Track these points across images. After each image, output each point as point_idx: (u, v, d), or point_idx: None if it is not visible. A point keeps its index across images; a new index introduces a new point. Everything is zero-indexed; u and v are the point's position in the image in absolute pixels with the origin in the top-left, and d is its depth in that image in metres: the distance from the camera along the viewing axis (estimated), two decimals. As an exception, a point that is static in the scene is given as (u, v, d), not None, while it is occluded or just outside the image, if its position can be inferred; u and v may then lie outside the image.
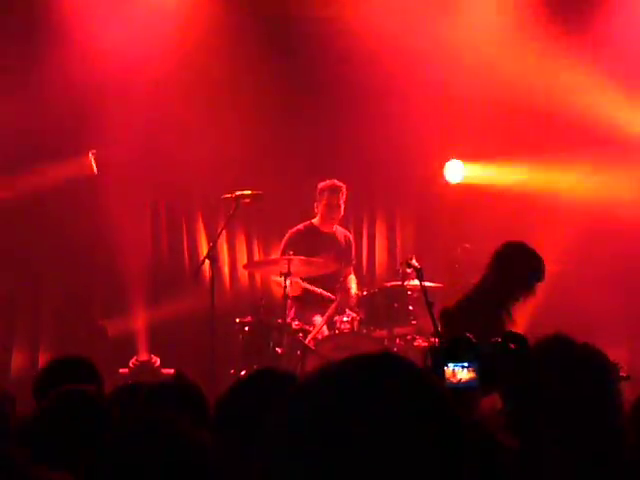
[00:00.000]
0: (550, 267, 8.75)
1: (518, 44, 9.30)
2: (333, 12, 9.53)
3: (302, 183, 8.91)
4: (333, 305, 8.05)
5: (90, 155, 9.35)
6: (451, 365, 2.88)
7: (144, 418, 2.04)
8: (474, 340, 2.94)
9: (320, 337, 7.81)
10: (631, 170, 8.96)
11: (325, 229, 8.47)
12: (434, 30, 9.37)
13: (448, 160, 9.55)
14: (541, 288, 8.77)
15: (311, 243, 8.27)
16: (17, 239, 9.19)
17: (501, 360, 2.84)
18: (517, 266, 5.97)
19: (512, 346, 2.94)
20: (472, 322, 5.73)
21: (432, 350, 2.95)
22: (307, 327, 7.96)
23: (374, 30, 9.46)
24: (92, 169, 9.28)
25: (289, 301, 8.14)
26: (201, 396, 3.11)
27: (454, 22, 9.46)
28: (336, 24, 9.50)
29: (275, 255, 8.16)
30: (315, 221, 8.50)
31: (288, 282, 7.83)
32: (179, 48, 9.46)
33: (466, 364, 2.86)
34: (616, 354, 7.95)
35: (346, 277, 8.50)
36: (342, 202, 8.41)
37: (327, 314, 7.99)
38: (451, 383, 2.78)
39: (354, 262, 8.68)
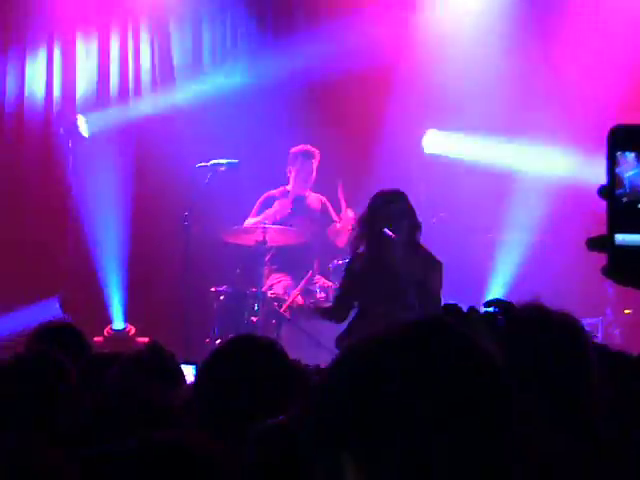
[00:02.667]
0: (525, 236, 8.84)
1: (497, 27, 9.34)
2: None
3: (277, 150, 8.88)
4: (308, 274, 8.02)
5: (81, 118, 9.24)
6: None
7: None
8: (462, 309, 2.93)
9: (295, 306, 7.79)
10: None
11: (298, 193, 8.44)
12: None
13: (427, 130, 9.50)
14: (516, 258, 8.83)
15: (284, 209, 8.26)
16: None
17: (488, 328, 2.84)
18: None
19: (499, 314, 2.93)
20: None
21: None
22: (282, 296, 7.94)
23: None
24: (84, 132, 9.19)
25: (265, 269, 8.13)
26: (176, 365, 3.09)
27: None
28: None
29: (248, 217, 8.19)
30: (288, 187, 8.48)
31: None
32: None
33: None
34: (589, 323, 7.97)
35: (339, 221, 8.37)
36: (315, 167, 8.40)
37: (302, 283, 7.96)
38: None
39: (336, 221, 8.46)
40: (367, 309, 6.06)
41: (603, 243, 1.29)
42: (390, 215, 5.94)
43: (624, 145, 1.28)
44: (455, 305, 2.20)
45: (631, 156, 1.28)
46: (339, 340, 6.00)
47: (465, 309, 2.26)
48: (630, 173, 1.28)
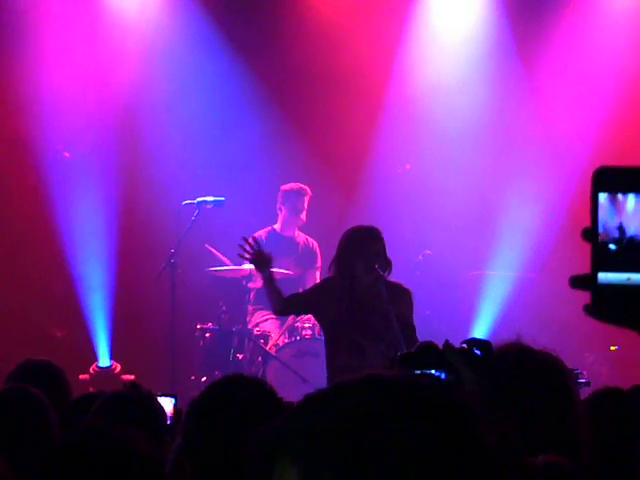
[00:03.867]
0: (510, 273, 8.85)
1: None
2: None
3: (262, 186, 8.90)
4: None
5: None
6: (418, 372, 2.85)
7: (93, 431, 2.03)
8: (440, 347, 2.91)
9: (281, 343, 7.78)
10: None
11: (286, 234, 8.40)
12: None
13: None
14: (502, 295, 8.82)
15: (272, 248, 8.15)
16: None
17: (467, 367, 2.83)
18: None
19: (478, 353, 2.92)
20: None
21: (399, 358, 2.93)
22: (268, 333, 7.92)
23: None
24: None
25: (250, 307, 8.10)
26: (155, 406, 3.07)
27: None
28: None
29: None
30: (277, 226, 8.45)
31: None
32: (140, 56, 9.44)
33: (433, 372, 2.84)
34: (581, 360, 7.95)
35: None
36: (306, 206, 8.34)
37: (288, 320, 7.94)
38: None
39: (319, 267, 8.50)
40: (352, 341, 6.02)
41: (586, 281, 1.29)
42: (364, 250, 5.95)
43: (608, 187, 1.29)
44: (430, 342, 2.21)
45: (615, 198, 1.29)
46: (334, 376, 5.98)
47: (440, 345, 2.26)
48: (609, 216, 1.28)
